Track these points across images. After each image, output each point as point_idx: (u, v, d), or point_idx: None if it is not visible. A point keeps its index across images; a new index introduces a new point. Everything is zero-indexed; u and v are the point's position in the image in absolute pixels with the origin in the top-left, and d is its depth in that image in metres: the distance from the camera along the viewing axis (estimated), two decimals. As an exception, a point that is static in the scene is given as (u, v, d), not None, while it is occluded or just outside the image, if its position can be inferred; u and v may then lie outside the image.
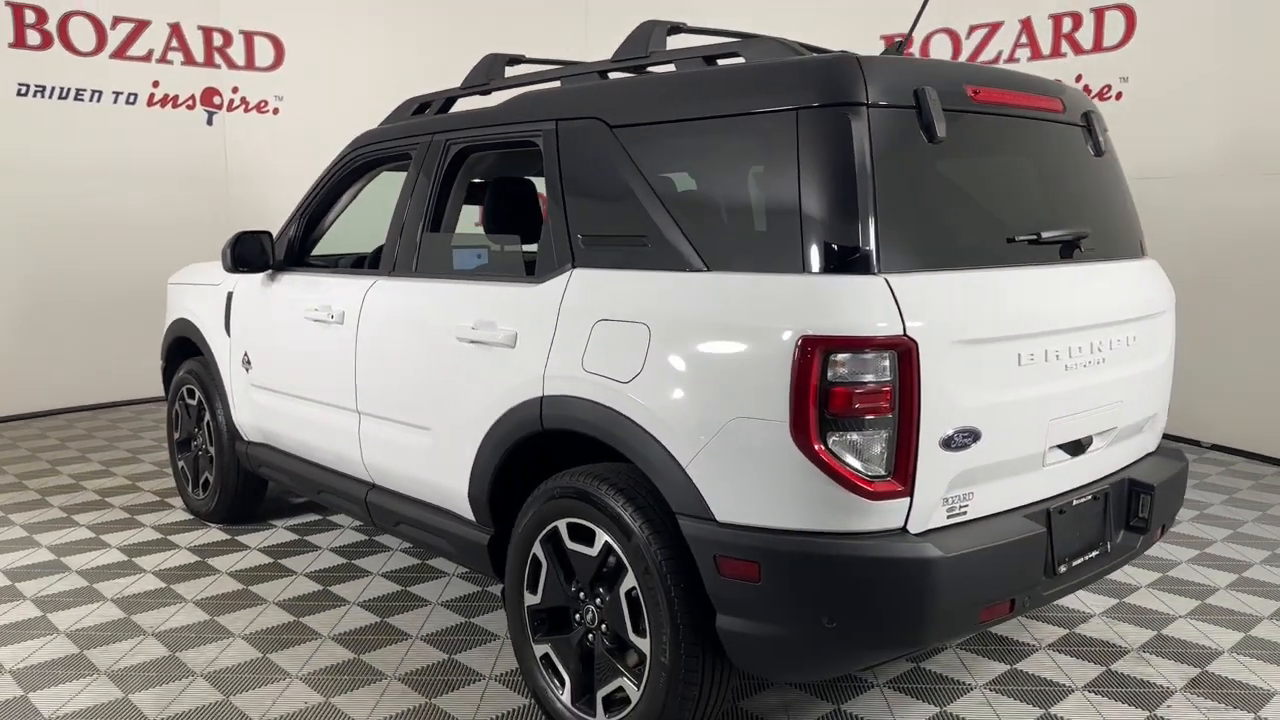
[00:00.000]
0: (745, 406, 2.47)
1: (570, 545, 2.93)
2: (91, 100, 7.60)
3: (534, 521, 3.01)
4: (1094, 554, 2.94)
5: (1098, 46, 7.31)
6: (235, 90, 8.25)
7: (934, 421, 2.44)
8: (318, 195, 4.37)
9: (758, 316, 2.51)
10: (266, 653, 3.62)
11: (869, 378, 2.37)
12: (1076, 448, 2.87)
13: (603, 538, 2.80)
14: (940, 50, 8.15)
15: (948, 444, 2.47)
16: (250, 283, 4.54)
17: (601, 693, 2.91)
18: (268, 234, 4.30)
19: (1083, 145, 3.16)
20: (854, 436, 2.39)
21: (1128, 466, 3.13)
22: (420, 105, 4.10)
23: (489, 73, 3.84)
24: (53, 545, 4.83)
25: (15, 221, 7.24)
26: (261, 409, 4.51)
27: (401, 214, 3.73)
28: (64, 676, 3.44)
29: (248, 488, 4.95)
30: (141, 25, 7.82)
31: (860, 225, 2.44)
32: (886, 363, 2.37)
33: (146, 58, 7.84)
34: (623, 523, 2.72)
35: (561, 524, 2.93)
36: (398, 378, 3.60)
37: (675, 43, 3.25)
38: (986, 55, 7.92)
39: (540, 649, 3.08)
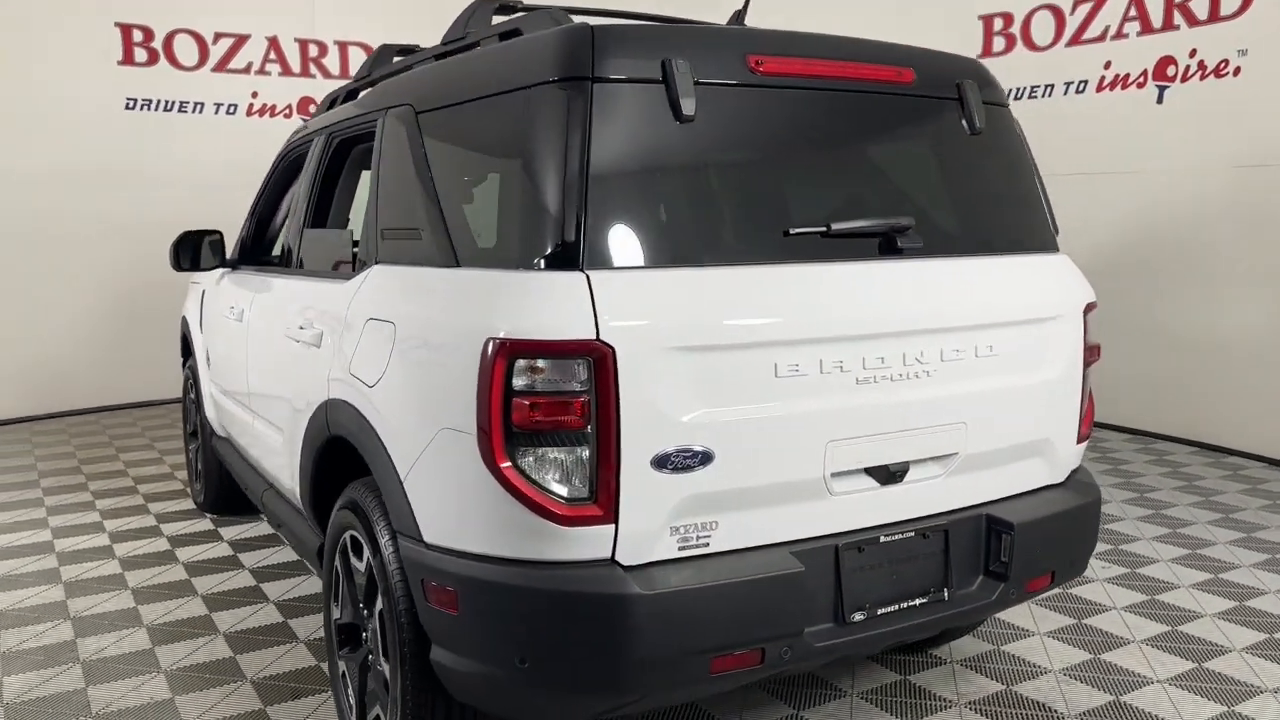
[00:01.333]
0: (450, 417, 2.21)
1: (352, 560, 2.76)
2: (194, 112, 8.13)
3: (332, 533, 2.86)
4: (919, 601, 2.45)
5: (1213, 16, 6.34)
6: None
7: (643, 439, 2.09)
8: (264, 193, 4.42)
9: (459, 317, 2.26)
10: (158, 643, 3.66)
11: (558, 387, 2.06)
12: (887, 475, 2.40)
13: (366, 554, 2.61)
14: (1043, 29, 7.33)
15: (663, 465, 2.12)
16: (212, 282, 4.66)
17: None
18: (215, 233, 4.39)
19: (951, 122, 2.66)
20: (544, 454, 2.08)
21: (991, 502, 2.60)
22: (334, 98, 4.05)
23: (373, 64, 3.74)
24: (59, 527, 5.14)
25: (130, 226, 7.82)
26: (218, 406, 4.61)
27: (289, 210, 3.70)
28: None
29: (227, 480, 5.09)
30: (241, 40, 8.29)
31: (564, 215, 2.13)
32: (579, 370, 2.06)
33: (246, 70, 8.30)
34: (373, 539, 2.53)
35: (347, 536, 2.77)
36: (259, 375, 3.56)
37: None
38: (1092, 31, 7.06)
39: (340, 666, 2.92)
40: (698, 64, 2.28)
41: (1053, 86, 7.42)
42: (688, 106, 2.23)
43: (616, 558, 2.13)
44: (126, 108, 7.89)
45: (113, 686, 3.35)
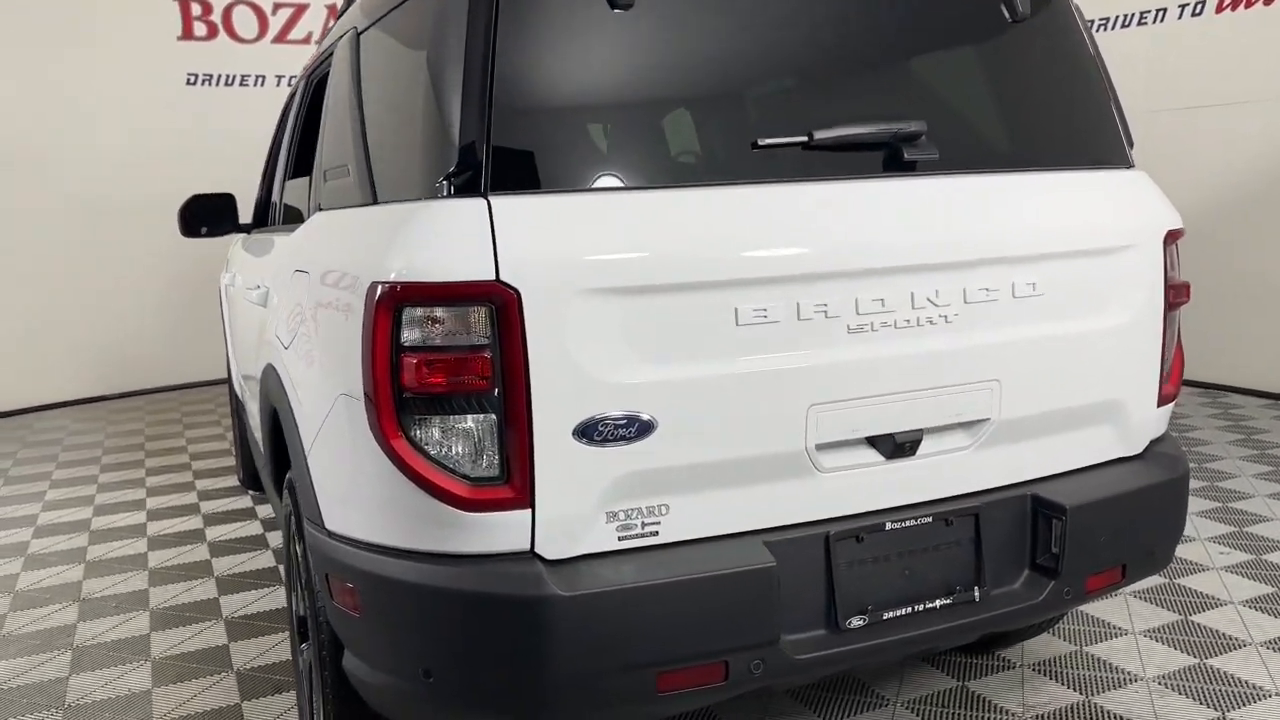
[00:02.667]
0: (345, 380, 1.84)
1: (295, 545, 2.44)
2: (256, 85, 8.01)
3: (283, 517, 2.56)
4: (940, 603, 1.97)
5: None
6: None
7: (561, 404, 1.68)
8: (272, 148, 4.14)
9: (353, 260, 1.88)
10: (156, 628, 3.47)
11: (454, 341, 1.66)
12: (894, 448, 1.92)
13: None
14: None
15: (589, 436, 1.70)
16: (232, 249, 4.43)
17: (310, 722, 2.40)
18: (226, 195, 4.14)
19: (989, 5, 2.12)
20: (442, 424, 1.69)
21: (1038, 480, 2.09)
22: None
23: None
24: (102, 504, 5.06)
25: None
26: (236, 376, 4.40)
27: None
28: None
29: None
30: (300, 9, 8.13)
31: (463, 128, 1.73)
32: (477, 319, 1.65)
33: (306, 40, 8.14)
34: (301, 525, 2.20)
35: (293, 521, 2.45)
36: (238, 342, 3.28)
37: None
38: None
39: (300, 662, 2.62)
40: None
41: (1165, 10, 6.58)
42: None
43: (537, 550, 1.73)
44: (188, 83, 7.82)
45: (96, 675, 3.15)
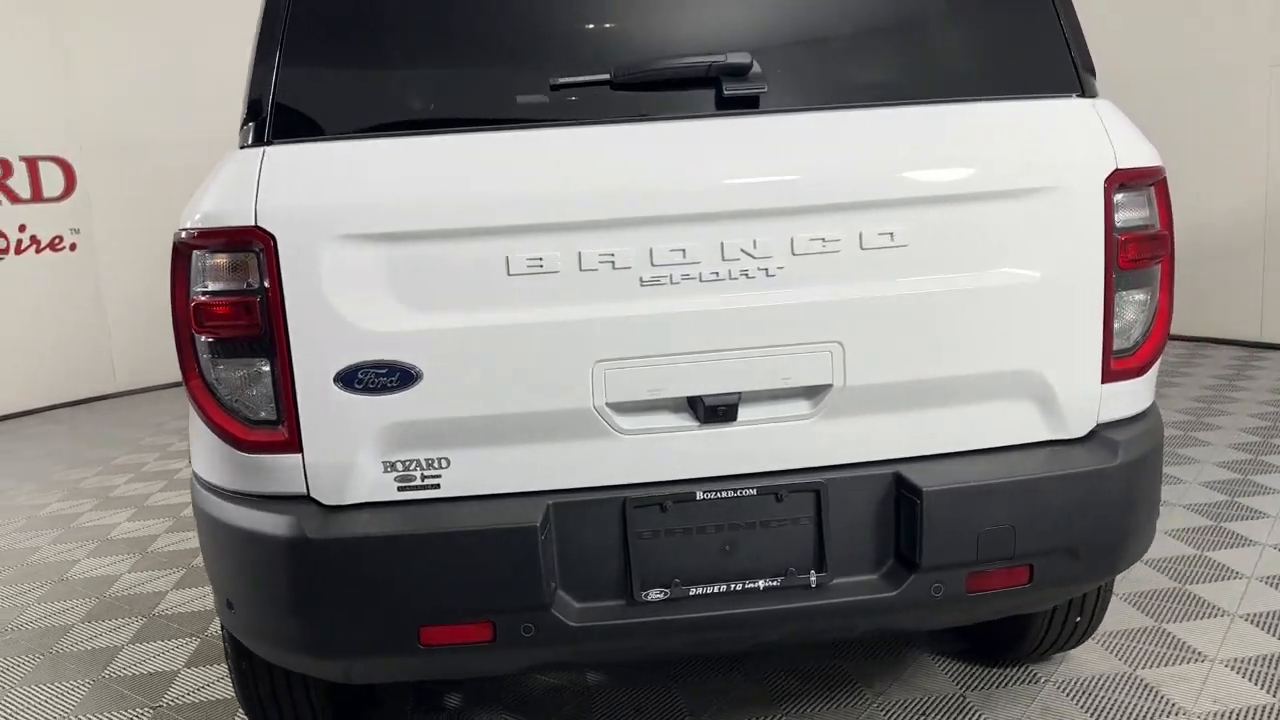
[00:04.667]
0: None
1: None
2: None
3: None
4: (766, 584, 1.79)
5: None
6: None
7: (321, 351, 1.72)
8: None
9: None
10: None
11: (228, 285, 1.74)
12: (710, 412, 1.75)
13: None
14: None
15: (351, 383, 1.71)
16: None
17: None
18: None
19: None
20: (228, 367, 1.79)
21: (908, 459, 1.82)
22: None
23: None
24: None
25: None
26: None
27: None
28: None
29: None
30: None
31: (259, 80, 1.79)
32: (248, 264, 1.72)
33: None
34: None
35: None
36: None
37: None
38: None
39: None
40: None
41: None
42: None
43: (312, 494, 1.77)
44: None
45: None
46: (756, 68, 1.75)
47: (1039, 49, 1.91)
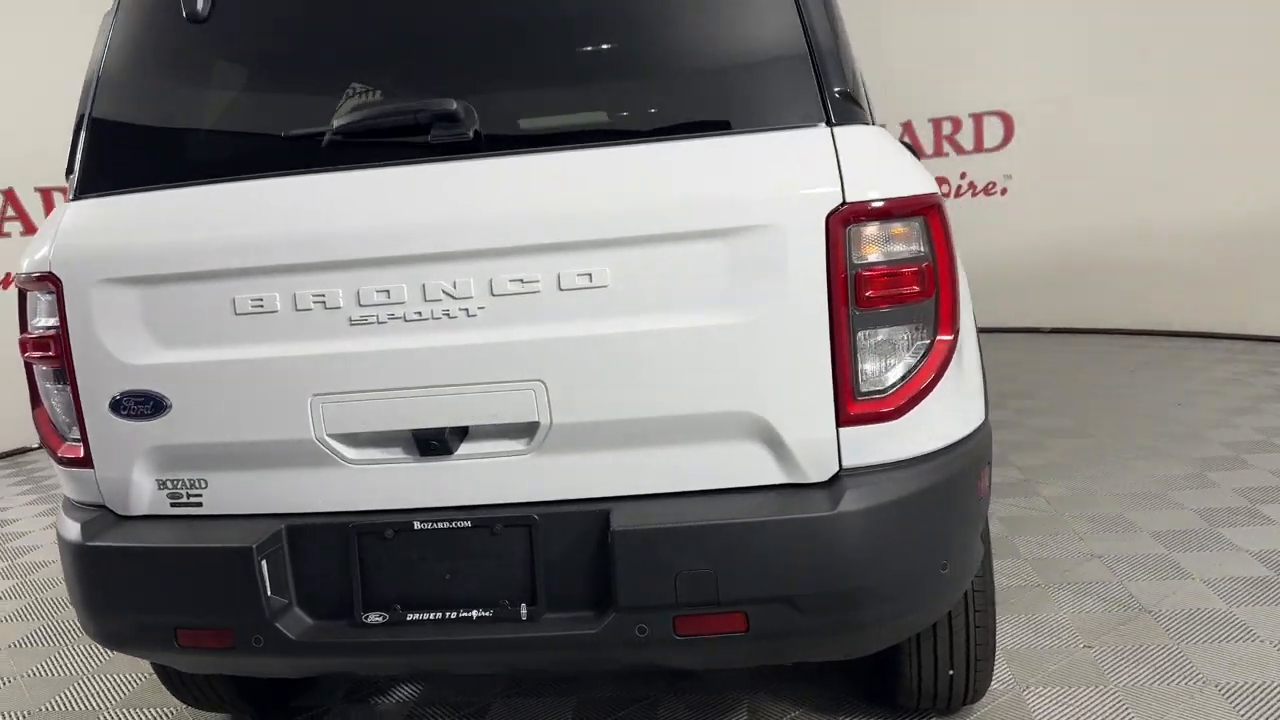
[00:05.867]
0: None
1: None
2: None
3: None
4: (482, 614, 1.85)
5: None
6: (963, 175, 8.38)
7: (97, 380, 1.96)
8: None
9: None
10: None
11: (40, 321, 2.04)
12: (427, 445, 1.85)
13: None
14: None
15: (118, 410, 1.94)
16: None
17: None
18: None
19: None
20: (47, 392, 2.08)
21: (620, 498, 1.81)
22: None
23: None
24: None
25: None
26: None
27: None
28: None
29: None
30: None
31: (74, 138, 2.06)
32: (49, 304, 2.00)
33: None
34: None
35: None
36: None
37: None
38: None
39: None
40: None
41: None
42: (201, 6, 1.96)
43: (107, 505, 2.02)
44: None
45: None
46: (465, 113, 1.79)
47: (780, 77, 1.82)
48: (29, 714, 2.86)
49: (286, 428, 1.86)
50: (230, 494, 1.94)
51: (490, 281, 1.75)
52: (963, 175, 8.28)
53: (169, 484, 1.96)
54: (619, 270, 1.73)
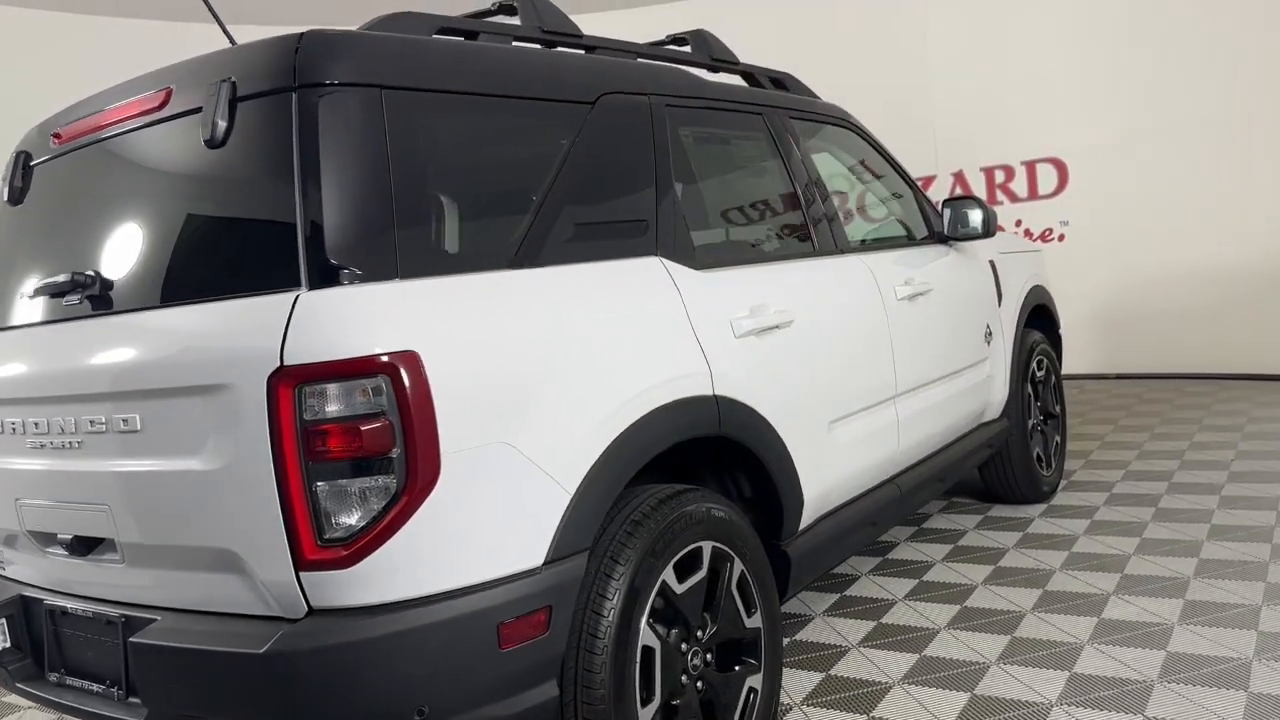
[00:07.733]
0: None
1: None
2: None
3: None
4: (98, 689, 2.30)
5: None
6: (1018, 223, 8.27)
7: None
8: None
9: None
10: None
11: None
12: (70, 546, 2.35)
13: None
14: None
15: None
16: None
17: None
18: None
19: (193, 139, 2.12)
20: None
21: (170, 609, 2.18)
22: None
23: None
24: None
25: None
26: None
27: None
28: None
29: None
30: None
31: None
32: None
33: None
34: None
35: None
36: None
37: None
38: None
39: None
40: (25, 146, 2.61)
41: None
42: (7, 194, 2.57)
43: None
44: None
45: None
46: (83, 281, 2.26)
47: (268, 248, 2.04)
48: None
49: (8, 522, 2.46)
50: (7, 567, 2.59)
51: (87, 421, 2.20)
52: (1018, 223, 8.16)
53: None
54: (147, 416, 2.09)
